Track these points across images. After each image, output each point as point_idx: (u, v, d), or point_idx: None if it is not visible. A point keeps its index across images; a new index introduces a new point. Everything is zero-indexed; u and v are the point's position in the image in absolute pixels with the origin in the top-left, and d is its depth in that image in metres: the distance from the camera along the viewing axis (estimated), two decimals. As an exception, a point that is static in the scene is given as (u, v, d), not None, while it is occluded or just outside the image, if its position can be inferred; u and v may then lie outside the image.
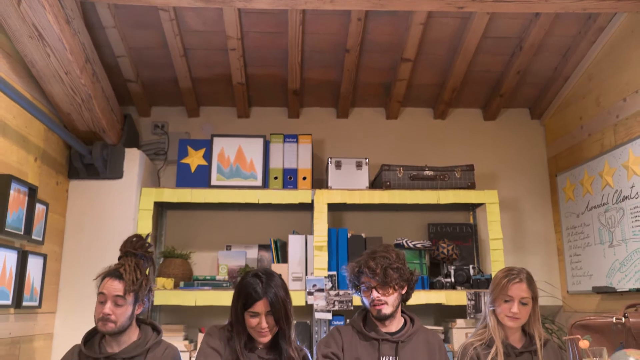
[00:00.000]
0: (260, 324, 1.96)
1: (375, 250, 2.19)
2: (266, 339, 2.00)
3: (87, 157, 2.91)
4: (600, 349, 1.91)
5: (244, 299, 1.99)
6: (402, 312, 2.25)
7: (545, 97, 3.51)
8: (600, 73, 3.07)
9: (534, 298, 2.18)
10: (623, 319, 2.36)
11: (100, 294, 2.03)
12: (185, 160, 3.20)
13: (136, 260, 2.10)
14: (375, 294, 2.11)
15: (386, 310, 2.11)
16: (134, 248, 2.13)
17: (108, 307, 1.98)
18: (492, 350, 2.09)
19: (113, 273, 2.05)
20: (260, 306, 1.96)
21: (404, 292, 2.18)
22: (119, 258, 2.14)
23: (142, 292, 2.07)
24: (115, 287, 2.01)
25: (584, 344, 1.95)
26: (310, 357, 2.17)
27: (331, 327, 2.44)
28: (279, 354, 2.02)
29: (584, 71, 3.20)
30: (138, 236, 2.18)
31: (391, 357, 2.08)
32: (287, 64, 3.18)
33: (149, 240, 2.21)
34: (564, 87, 3.39)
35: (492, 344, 2.13)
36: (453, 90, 3.40)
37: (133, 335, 2.08)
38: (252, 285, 1.98)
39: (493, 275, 2.83)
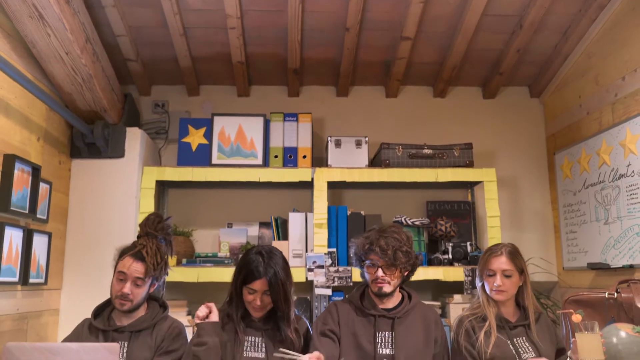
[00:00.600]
0: (255, 300, 2.04)
1: (386, 229, 2.20)
2: (259, 314, 2.09)
3: (88, 136, 2.94)
4: (592, 323, 1.96)
5: (244, 275, 2.05)
6: (401, 288, 2.29)
7: (544, 76, 3.52)
8: (600, 51, 3.07)
9: (520, 271, 2.22)
10: (615, 294, 2.42)
11: (120, 272, 2.06)
12: (186, 139, 3.23)
13: (157, 243, 2.14)
14: (380, 272, 2.12)
15: (387, 289, 2.14)
16: (155, 229, 2.15)
17: (128, 287, 2.03)
18: (486, 324, 2.14)
19: (136, 254, 2.07)
20: (259, 285, 2.03)
21: (406, 274, 2.21)
22: (139, 237, 2.16)
23: (161, 275, 2.15)
24: (137, 268, 2.05)
25: (576, 317, 2.01)
26: (310, 327, 2.23)
27: (330, 303, 2.49)
28: (276, 324, 2.08)
29: (584, 49, 3.21)
30: (158, 215, 2.21)
31: (387, 333, 2.11)
32: (286, 43, 3.18)
33: (169, 222, 2.23)
34: (564, 66, 3.39)
35: (487, 318, 2.18)
36: (453, 68, 3.40)
37: (141, 310, 2.15)
38: (254, 263, 2.04)
39: (489, 252, 2.89)
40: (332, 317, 2.18)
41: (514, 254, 2.22)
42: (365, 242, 2.19)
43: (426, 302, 2.52)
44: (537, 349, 2.12)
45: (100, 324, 2.09)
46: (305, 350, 2.10)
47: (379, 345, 2.09)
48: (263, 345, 2.07)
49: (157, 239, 2.15)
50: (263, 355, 2.06)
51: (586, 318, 2.45)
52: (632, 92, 2.76)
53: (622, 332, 2.13)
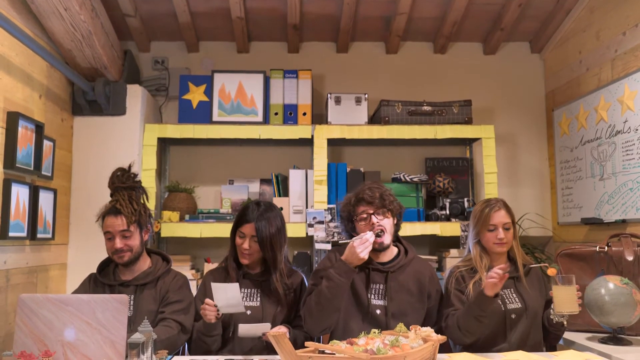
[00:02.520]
0: (243, 244, 2.17)
1: (366, 184, 2.27)
2: (245, 260, 2.19)
3: (89, 93, 2.95)
4: (569, 276, 2.02)
5: (237, 219, 2.22)
6: (399, 242, 2.33)
7: (546, 31, 3.49)
8: (602, 6, 3.04)
9: (513, 223, 2.29)
10: (606, 247, 2.49)
11: (106, 232, 2.15)
12: (186, 97, 3.24)
13: (128, 193, 2.19)
14: (374, 219, 2.15)
15: (387, 240, 2.17)
16: (121, 182, 2.20)
17: (118, 242, 2.12)
18: (476, 276, 2.22)
19: (111, 211, 2.15)
20: (248, 228, 2.16)
21: (395, 222, 2.25)
22: (111, 195, 2.22)
23: (144, 219, 2.21)
24: (118, 223, 2.13)
25: (551, 271, 2.07)
26: (305, 281, 2.32)
27: (332, 248, 2.54)
28: (270, 277, 2.19)
29: (586, 4, 3.17)
30: (121, 169, 2.24)
31: (380, 285, 2.18)
32: (286, -2, 3.15)
33: (132, 170, 2.26)
34: (565, 21, 3.36)
35: (475, 270, 2.25)
36: (454, 23, 3.37)
37: (144, 264, 2.23)
38: (249, 209, 2.19)
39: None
40: (331, 262, 2.19)
41: (508, 207, 2.28)
42: (351, 197, 2.23)
43: (423, 257, 2.59)
44: (523, 300, 2.20)
45: (106, 279, 2.18)
46: (297, 302, 2.21)
47: (373, 296, 2.17)
48: (258, 296, 2.19)
49: (127, 189, 2.19)
50: (258, 304, 2.17)
51: (577, 271, 2.54)
52: (632, 47, 2.76)
53: (611, 283, 2.21)
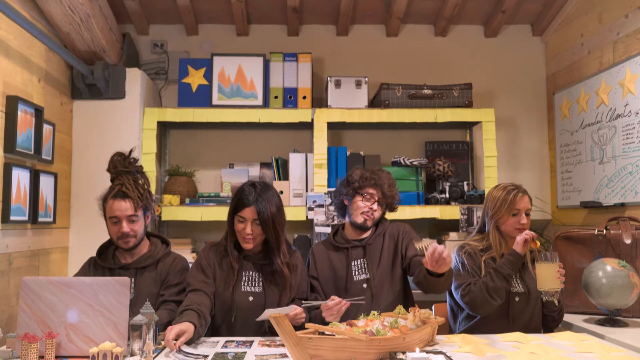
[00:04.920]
0: (245, 229, 2.07)
1: (376, 169, 2.34)
2: (249, 245, 2.10)
3: (89, 77, 2.94)
4: (552, 253, 2.03)
5: (235, 203, 2.11)
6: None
7: (547, 13, 3.46)
8: (605, -12, 3.01)
9: (531, 209, 2.30)
10: (604, 231, 2.51)
11: (112, 217, 2.09)
12: (186, 80, 3.23)
13: (132, 177, 2.15)
14: (375, 205, 2.26)
15: (370, 222, 2.27)
16: (124, 166, 2.14)
17: (125, 227, 2.09)
18: (486, 255, 2.24)
19: (118, 194, 2.09)
20: (248, 212, 2.06)
21: (384, 206, 2.32)
22: (113, 179, 2.16)
23: (150, 204, 2.19)
24: (126, 207, 2.08)
25: (534, 244, 2.11)
26: (302, 258, 2.30)
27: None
28: (272, 260, 2.13)
29: (589, -14, 3.15)
30: (120, 154, 2.17)
31: (360, 260, 2.26)
32: (285, -20, 3.12)
33: (133, 155, 2.20)
34: (567, 3, 3.33)
35: (486, 250, 2.27)
36: (455, 6, 3.35)
37: (144, 247, 2.23)
38: (245, 192, 2.09)
39: (486, 192, 2.95)
40: (310, 264, 2.34)
41: (528, 194, 2.29)
42: (364, 173, 2.28)
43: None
44: (526, 286, 2.21)
45: (106, 263, 2.17)
46: (298, 282, 2.19)
47: (355, 272, 2.24)
48: (260, 280, 2.13)
49: (130, 174, 2.15)
50: (260, 290, 2.12)
51: (575, 254, 2.56)
52: (635, 30, 2.74)
53: (608, 266, 2.23)
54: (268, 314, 1.82)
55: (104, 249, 2.25)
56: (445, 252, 1.87)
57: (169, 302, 2.09)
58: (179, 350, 1.74)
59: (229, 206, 2.14)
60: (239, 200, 2.09)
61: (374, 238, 2.30)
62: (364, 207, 2.27)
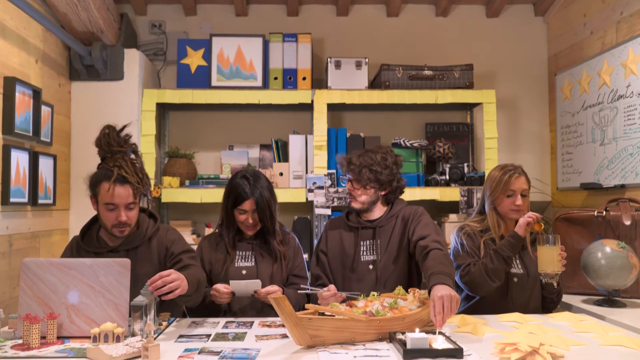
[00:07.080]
0: (248, 219, 2.23)
1: (370, 149, 2.31)
2: (252, 231, 2.28)
3: (86, 58, 2.91)
4: (554, 236, 2.03)
5: (234, 198, 2.22)
6: (389, 200, 2.36)
7: (550, -7, 3.42)
8: (608, -33, 2.97)
9: (528, 190, 2.29)
10: (604, 212, 2.51)
11: (109, 203, 1.93)
12: (184, 61, 3.20)
13: (128, 158, 1.98)
14: (349, 186, 2.30)
15: (355, 204, 2.28)
16: (119, 145, 1.97)
17: (123, 215, 1.94)
18: (486, 236, 2.25)
19: (117, 179, 1.92)
20: (248, 205, 2.20)
21: (383, 193, 2.29)
22: (104, 159, 1.99)
23: (148, 190, 2.06)
24: (125, 194, 1.93)
25: (537, 226, 2.10)
26: (299, 243, 2.40)
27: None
28: (263, 239, 2.28)
29: (592, -36, 3.10)
30: (111, 128, 1.98)
31: (370, 241, 2.27)
32: (285, -41, 3.08)
33: (127, 131, 2.03)
34: (570, -18, 3.30)
35: (486, 231, 2.27)
36: (456, -15, 3.31)
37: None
38: (241, 186, 2.21)
39: (486, 173, 2.95)
40: (323, 238, 2.39)
41: (526, 174, 2.28)
42: (344, 159, 2.33)
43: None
44: (525, 267, 2.22)
45: (91, 247, 2.02)
46: (291, 260, 2.30)
47: (363, 252, 2.26)
48: (253, 256, 2.27)
49: (125, 154, 1.97)
50: (252, 264, 2.25)
51: (575, 235, 2.56)
52: (639, 9, 2.71)
53: (607, 247, 2.23)
54: (234, 286, 2.06)
55: (86, 230, 2.08)
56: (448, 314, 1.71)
57: (191, 265, 2.01)
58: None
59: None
60: (237, 196, 2.21)
61: (386, 220, 2.29)
62: (348, 190, 2.32)
